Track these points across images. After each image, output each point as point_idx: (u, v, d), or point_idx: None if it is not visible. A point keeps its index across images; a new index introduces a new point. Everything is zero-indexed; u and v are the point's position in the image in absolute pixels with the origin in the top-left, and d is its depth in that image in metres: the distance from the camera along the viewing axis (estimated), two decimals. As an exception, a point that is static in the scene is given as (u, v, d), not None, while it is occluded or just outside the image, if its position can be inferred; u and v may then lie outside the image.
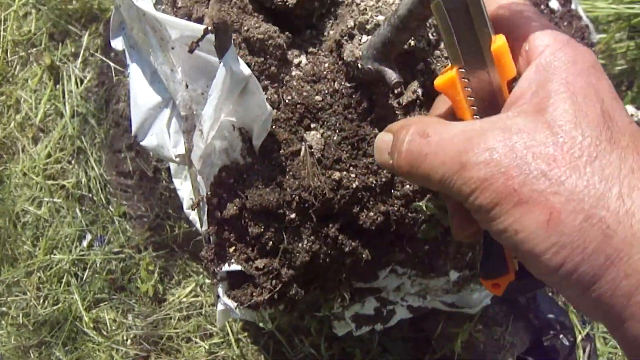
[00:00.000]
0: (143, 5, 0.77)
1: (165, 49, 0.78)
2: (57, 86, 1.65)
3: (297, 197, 0.79)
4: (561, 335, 1.39)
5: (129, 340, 1.53)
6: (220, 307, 0.91)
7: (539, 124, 0.48)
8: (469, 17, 0.54)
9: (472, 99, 0.57)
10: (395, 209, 0.84)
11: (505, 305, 1.40)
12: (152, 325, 1.53)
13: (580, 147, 0.46)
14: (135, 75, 0.90)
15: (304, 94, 0.81)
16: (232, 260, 0.83)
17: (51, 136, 1.62)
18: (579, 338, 1.53)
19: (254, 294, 0.86)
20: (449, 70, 0.57)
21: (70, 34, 1.68)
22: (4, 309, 1.59)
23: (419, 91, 0.83)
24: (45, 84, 1.67)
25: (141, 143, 0.90)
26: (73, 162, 1.60)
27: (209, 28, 0.67)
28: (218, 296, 0.90)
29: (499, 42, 0.53)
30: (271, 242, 0.81)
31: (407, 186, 0.84)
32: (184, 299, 1.53)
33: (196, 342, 1.52)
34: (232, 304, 0.87)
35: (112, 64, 1.58)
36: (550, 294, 1.53)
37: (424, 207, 0.84)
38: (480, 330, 1.37)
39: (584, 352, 1.54)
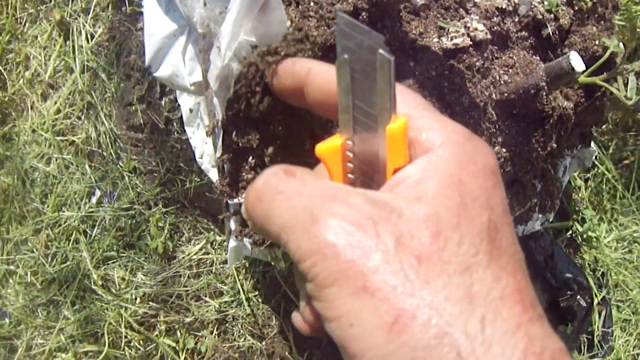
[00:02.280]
0: None
1: (182, -32, 0.76)
2: (67, 42, 1.62)
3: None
4: (578, 297, 1.37)
5: (138, 299, 1.51)
6: (232, 243, 0.88)
7: (417, 214, 0.40)
8: (374, 86, 0.45)
9: (352, 174, 0.50)
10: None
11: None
12: (162, 283, 1.51)
13: (455, 253, 0.39)
14: (150, 5, 0.88)
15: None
16: (247, 192, 0.81)
17: (61, 92, 1.60)
18: (595, 301, 1.51)
19: None
20: (334, 138, 0.50)
21: (81, -11, 1.65)
22: (11, 267, 1.57)
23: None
24: (55, 40, 1.64)
25: (155, 74, 0.87)
26: (83, 117, 1.58)
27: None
28: (230, 232, 0.87)
29: (398, 123, 0.45)
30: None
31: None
32: (194, 257, 1.51)
33: (206, 301, 1.50)
34: (246, 240, 0.84)
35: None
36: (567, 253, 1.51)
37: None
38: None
39: (599, 316, 1.52)
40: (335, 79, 0.48)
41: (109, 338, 1.48)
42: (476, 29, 0.82)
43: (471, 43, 0.81)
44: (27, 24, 1.68)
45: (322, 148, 0.50)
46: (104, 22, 1.59)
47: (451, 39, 0.80)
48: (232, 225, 0.86)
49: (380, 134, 0.46)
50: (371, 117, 0.47)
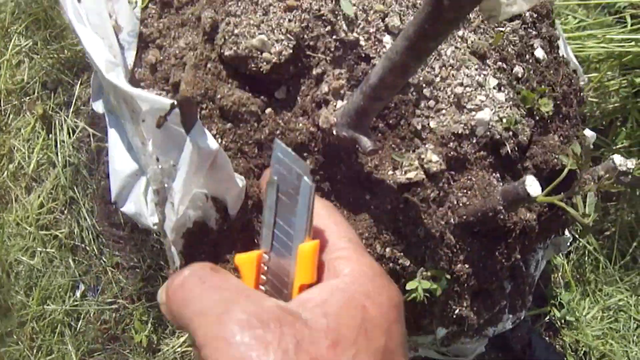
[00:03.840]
0: (113, 78, 0.76)
1: (136, 122, 0.78)
2: (50, 135, 1.65)
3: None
4: (559, 382, 1.37)
5: (123, 392, 1.51)
6: None
7: (321, 325, 0.43)
8: (295, 208, 0.51)
9: (263, 285, 0.55)
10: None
11: (501, 352, 1.38)
12: (147, 376, 1.51)
13: None
14: (113, 141, 0.90)
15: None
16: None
17: (44, 186, 1.62)
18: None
19: None
20: (254, 251, 0.55)
21: (63, 82, 1.68)
22: (-3, 360, 1.58)
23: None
24: (38, 133, 1.67)
25: (121, 209, 0.89)
26: (66, 212, 1.60)
27: (175, 103, 0.67)
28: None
29: (310, 243, 0.50)
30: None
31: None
32: (178, 349, 1.51)
33: (190, 394, 1.50)
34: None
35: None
36: (547, 339, 1.51)
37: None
38: (475, 378, 1.35)
39: (585, 396, 1.51)
40: None
41: None
42: (430, 161, 0.83)
43: (424, 177, 0.83)
44: (10, 116, 1.71)
45: (241, 257, 0.55)
46: (84, 116, 1.62)
47: (405, 173, 0.82)
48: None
49: (293, 251, 0.51)
50: (288, 236, 0.52)
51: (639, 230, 1.79)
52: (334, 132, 0.76)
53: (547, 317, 1.57)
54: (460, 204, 0.89)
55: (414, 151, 0.85)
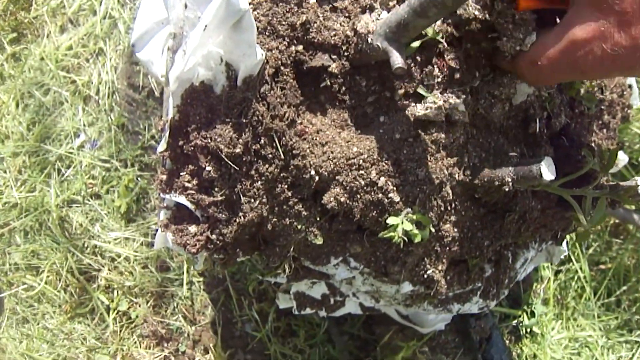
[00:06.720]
0: None
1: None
2: (101, -16, 1.64)
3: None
4: (504, 383, 1.36)
5: (89, 249, 1.52)
6: (159, 231, 0.87)
7: None
8: None
9: None
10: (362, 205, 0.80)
11: (459, 337, 1.36)
12: (116, 241, 1.51)
13: None
14: (152, -13, 0.88)
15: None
16: (180, 194, 0.80)
17: (78, 30, 1.61)
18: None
19: (189, 240, 0.83)
20: None
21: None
22: (-18, 181, 1.59)
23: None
24: (90, -23, 1.65)
25: (137, 54, 0.87)
26: (91, 61, 1.58)
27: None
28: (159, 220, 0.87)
29: None
30: (223, 191, 0.78)
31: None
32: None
33: (151, 272, 1.50)
34: (169, 235, 0.84)
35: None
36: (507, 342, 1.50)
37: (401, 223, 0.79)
38: (425, 352, 1.34)
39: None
40: None
41: (47, 277, 1.49)
42: (456, 109, 0.80)
43: (443, 120, 0.79)
44: (71, -43, 1.69)
45: None
46: (139, -25, 1.60)
47: (426, 109, 0.79)
48: (162, 215, 0.85)
49: None
50: None
51: (633, 276, 1.76)
52: (369, 40, 0.73)
53: (515, 322, 1.55)
54: (472, 164, 0.86)
55: (444, 92, 0.81)
